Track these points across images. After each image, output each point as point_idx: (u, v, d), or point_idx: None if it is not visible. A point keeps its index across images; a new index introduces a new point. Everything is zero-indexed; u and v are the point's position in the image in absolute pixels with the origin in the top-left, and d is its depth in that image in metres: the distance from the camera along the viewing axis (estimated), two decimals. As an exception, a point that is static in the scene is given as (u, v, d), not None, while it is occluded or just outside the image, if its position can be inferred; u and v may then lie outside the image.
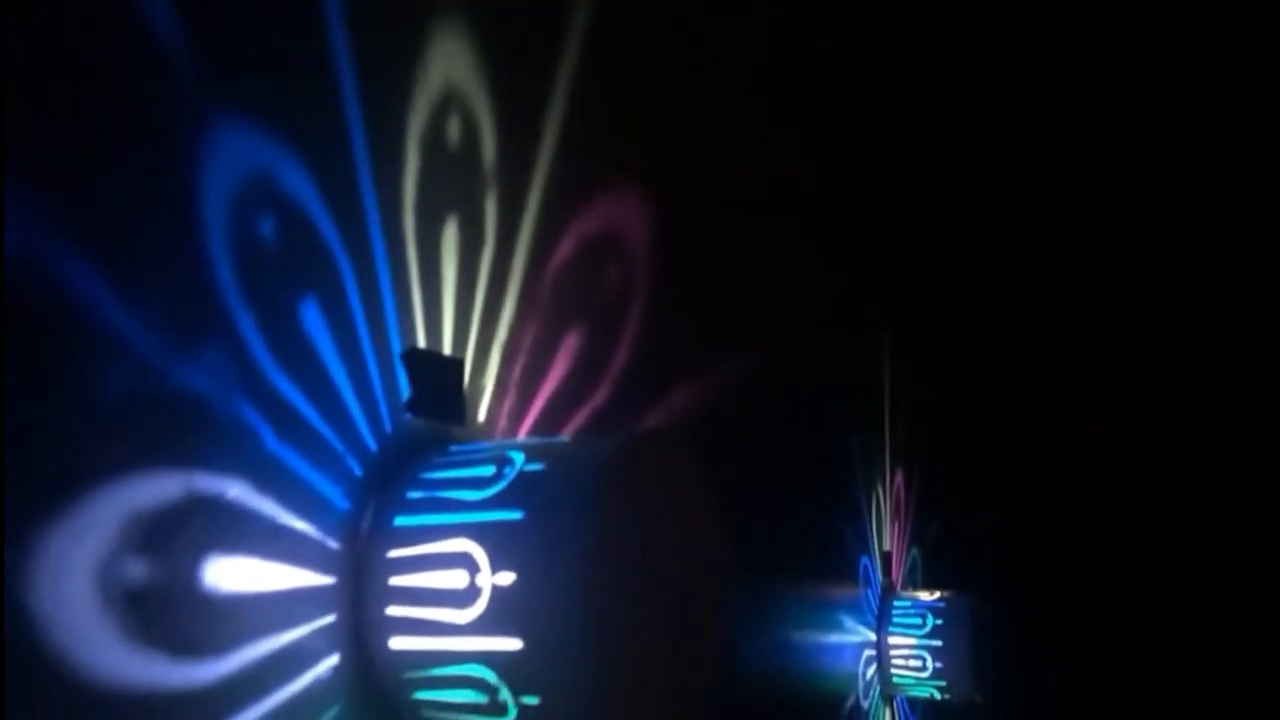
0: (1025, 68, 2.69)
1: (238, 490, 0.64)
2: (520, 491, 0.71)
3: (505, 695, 0.70)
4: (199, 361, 0.62)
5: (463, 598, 0.70)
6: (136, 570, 0.57)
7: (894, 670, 2.17)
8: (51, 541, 0.53)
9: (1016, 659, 2.38)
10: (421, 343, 0.83)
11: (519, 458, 0.74)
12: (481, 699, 0.71)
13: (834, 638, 1.96)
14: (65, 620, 0.53)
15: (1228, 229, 2.91)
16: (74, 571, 0.54)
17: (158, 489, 0.59)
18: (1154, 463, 3.30)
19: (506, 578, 0.69)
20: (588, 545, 0.67)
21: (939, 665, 2.12)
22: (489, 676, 0.70)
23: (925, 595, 2.22)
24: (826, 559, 1.94)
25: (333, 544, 0.72)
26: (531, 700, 0.70)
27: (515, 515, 0.70)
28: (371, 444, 0.77)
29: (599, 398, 1.09)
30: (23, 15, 0.53)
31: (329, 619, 0.72)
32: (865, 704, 2.11)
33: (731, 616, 0.80)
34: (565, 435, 0.96)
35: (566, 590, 0.67)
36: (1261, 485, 3.20)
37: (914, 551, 2.59)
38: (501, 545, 0.70)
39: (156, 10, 0.60)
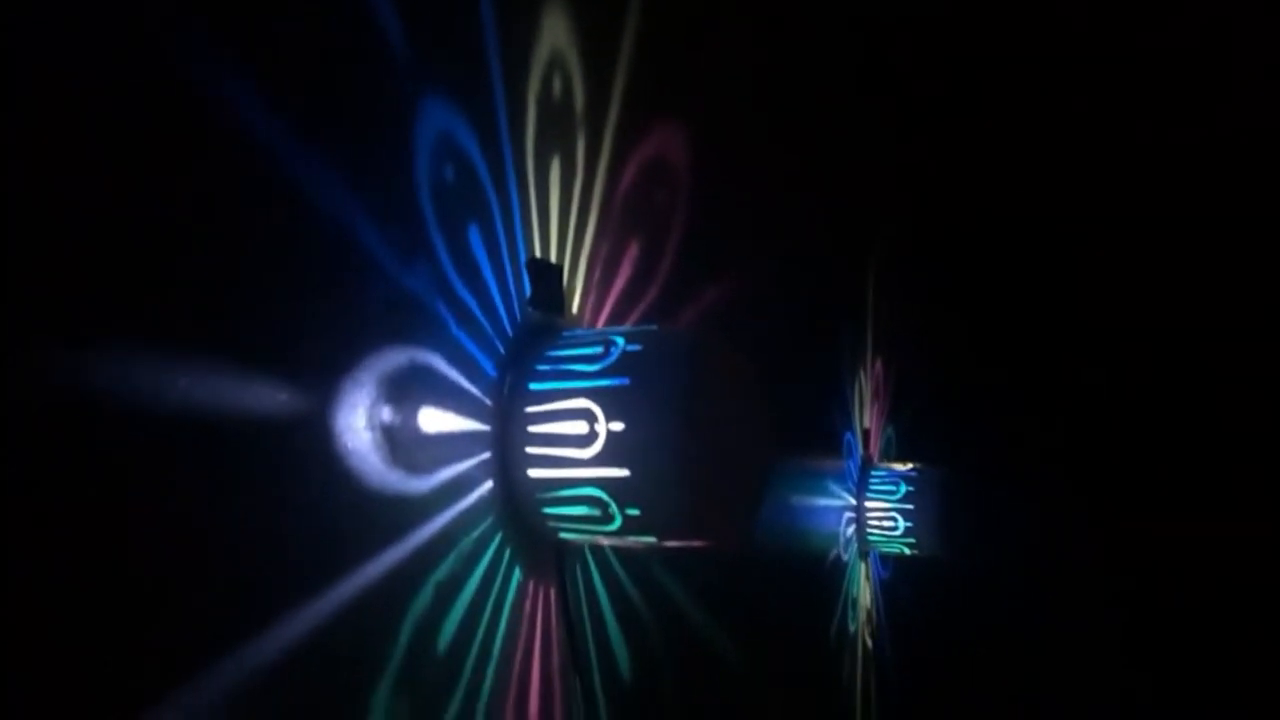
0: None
1: (437, 361, 0.92)
2: (625, 365, 0.99)
3: (614, 509, 0.99)
4: (414, 273, 0.88)
5: (584, 440, 0.98)
6: (386, 414, 0.85)
7: (870, 530, 2.50)
8: (340, 394, 0.80)
9: (976, 521, 2.73)
10: (537, 253, 1.09)
11: (621, 341, 1.01)
12: (595, 512, 1.00)
13: (821, 501, 2.28)
14: (352, 446, 0.81)
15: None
16: (354, 413, 0.81)
17: (394, 360, 0.86)
18: (1104, 353, 3.63)
19: (618, 425, 0.96)
20: (677, 403, 0.95)
21: (909, 525, 2.45)
22: (602, 495, 0.99)
23: (899, 466, 2.54)
24: (817, 433, 2.25)
25: (488, 401, 1.00)
26: (634, 511, 0.98)
27: (623, 381, 0.98)
28: (509, 330, 1.04)
29: (651, 295, 1.36)
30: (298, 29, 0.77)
31: (485, 455, 1.00)
32: (845, 558, 2.45)
33: (772, 455, 1.09)
34: (652, 325, 1.23)
35: (662, 434, 0.95)
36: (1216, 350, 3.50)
37: (889, 429, 2.91)
38: (613, 403, 0.97)
39: (386, 15, 0.85)
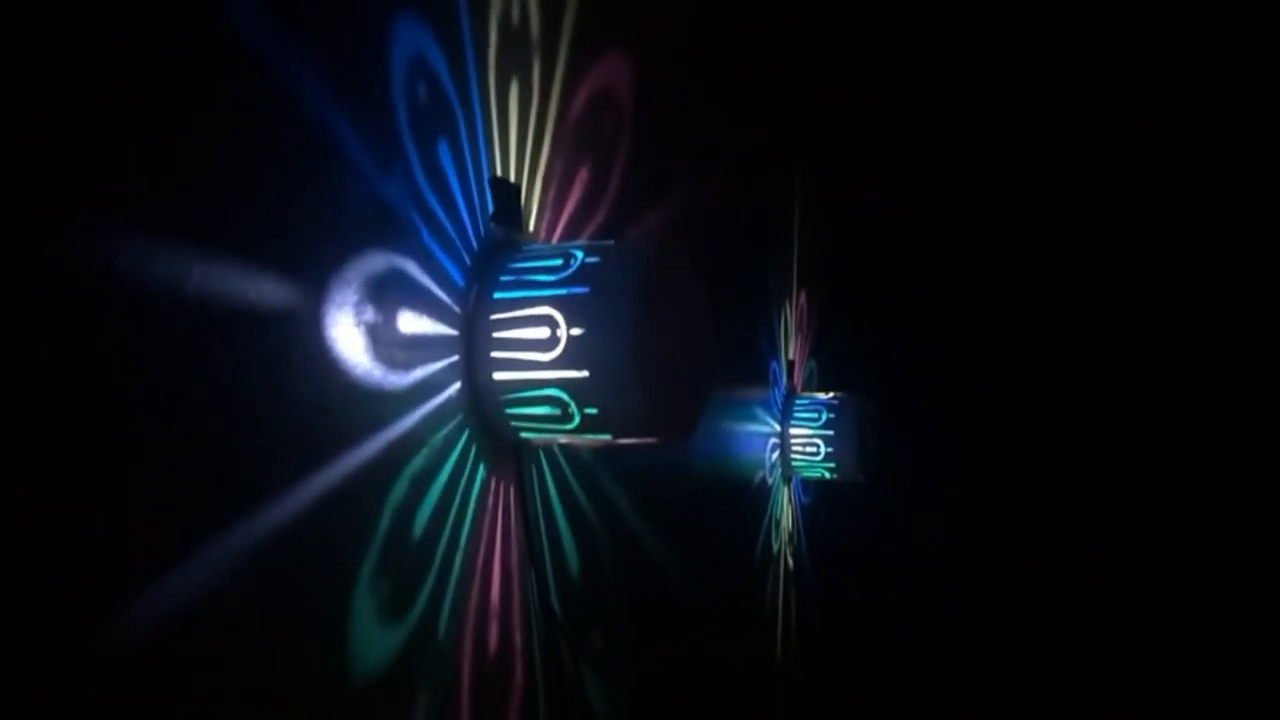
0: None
1: (412, 268, 0.98)
2: (585, 275, 1.06)
3: (573, 408, 1.07)
4: (391, 183, 0.94)
5: (546, 345, 1.06)
6: (368, 313, 0.91)
7: (793, 455, 2.63)
8: (331, 293, 0.87)
9: (891, 447, 2.87)
10: (498, 172, 1.15)
11: (580, 254, 1.08)
12: (556, 411, 1.08)
13: (749, 426, 2.39)
14: (339, 338, 0.87)
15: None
16: (342, 310, 0.88)
17: (375, 263, 0.92)
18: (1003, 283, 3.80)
19: (578, 330, 1.04)
20: (633, 309, 1.03)
21: (830, 450, 2.58)
22: (563, 396, 1.07)
23: (822, 395, 2.67)
24: (745, 362, 2.35)
25: (456, 309, 1.06)
26: (592, 410, 1.06)
27: (583, 290, 1.05)
28: (474, 243, 1.10)
29: (599, 217, 1.43)
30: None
31: (454, 358, 1.07)
32: (770, 481, 2.58)
33: (715, 360, 1.18)
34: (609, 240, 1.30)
35: (620, 338, 1.03)
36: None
37: (811, 362, 3.04)
38: (574, 309, 1.05)
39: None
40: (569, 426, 1.09)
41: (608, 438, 1.10)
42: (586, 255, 1.08)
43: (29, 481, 0.61)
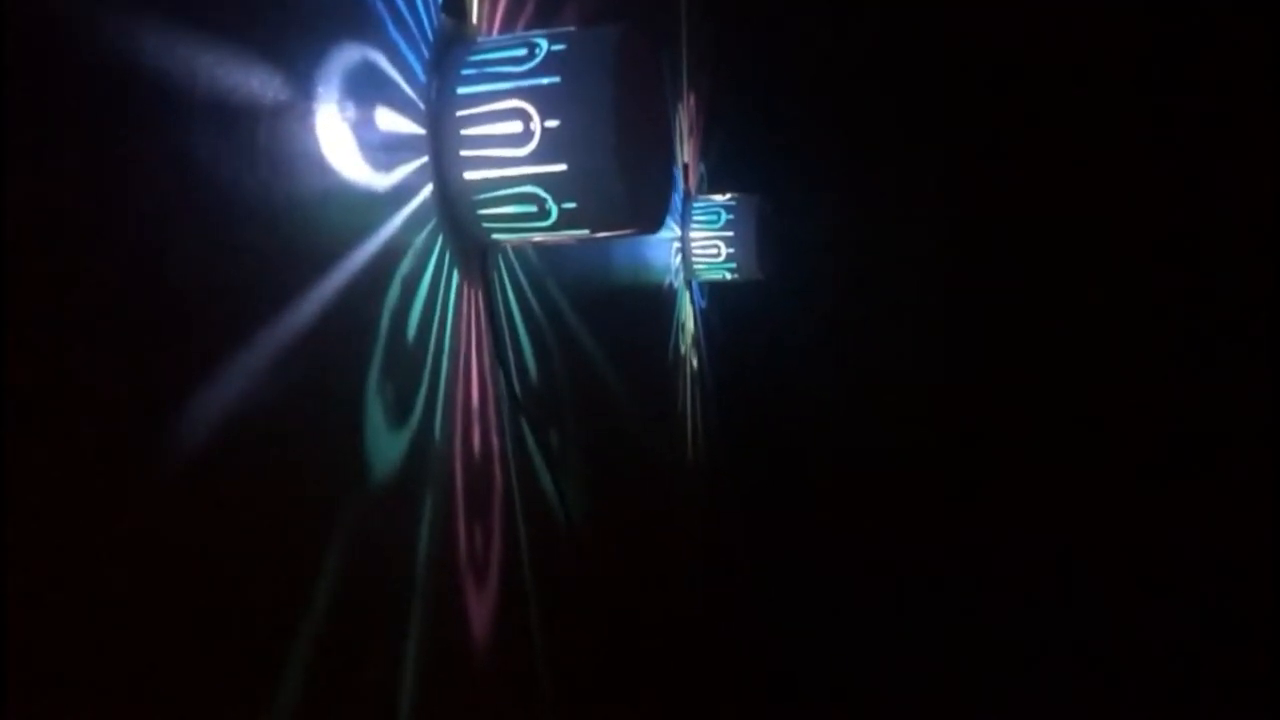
0: None
1: (382, 61, 0.93)
2: (554, 63, 1.03)
3: (550, 205, 1.06)
4: (358, -35, 0.88)
5: (519, 140, 1.03)
6: (349, 112, 0.87)
7: (695, 259, 2.67)
8: (313, 87, 0.82)
9: (787, 245, 2.95)
10: (442, -42, 1.09)
11: (544, 42, 1.05)
12: (531, 209, 1.06)
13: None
14: (330, 136, 0.83)
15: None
16: (326, 107, 0.83)
17: (350, 55, 0.87)
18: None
19: (553, 123, 1.02)
20: (611, 97, 1.01)
21: (730, 251, 2.63)
22: (539, 192, 1.05)
23: (718, 197, 2.69)
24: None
25: (420, 105, 1.02)
26: (570, 205, 1.05)
27: (555, 79, 1.02)
28: (430, 35, 1.05)
29: (527, 14, 1.37)
30: None
31: (424, 160, 1.03)
32: (675, 285, 2.62)
33: (673, 144, 1.18)
34: (569, 28, 1.26)
35: (600, 128, 1.01)
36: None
37: (702, 165, 3.04)
38: (547, 100, 1.02)
39: None
40: (545, 224, 1.08)
41: (585, 232, 1.10)
42: (551, 43, 1.05)
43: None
